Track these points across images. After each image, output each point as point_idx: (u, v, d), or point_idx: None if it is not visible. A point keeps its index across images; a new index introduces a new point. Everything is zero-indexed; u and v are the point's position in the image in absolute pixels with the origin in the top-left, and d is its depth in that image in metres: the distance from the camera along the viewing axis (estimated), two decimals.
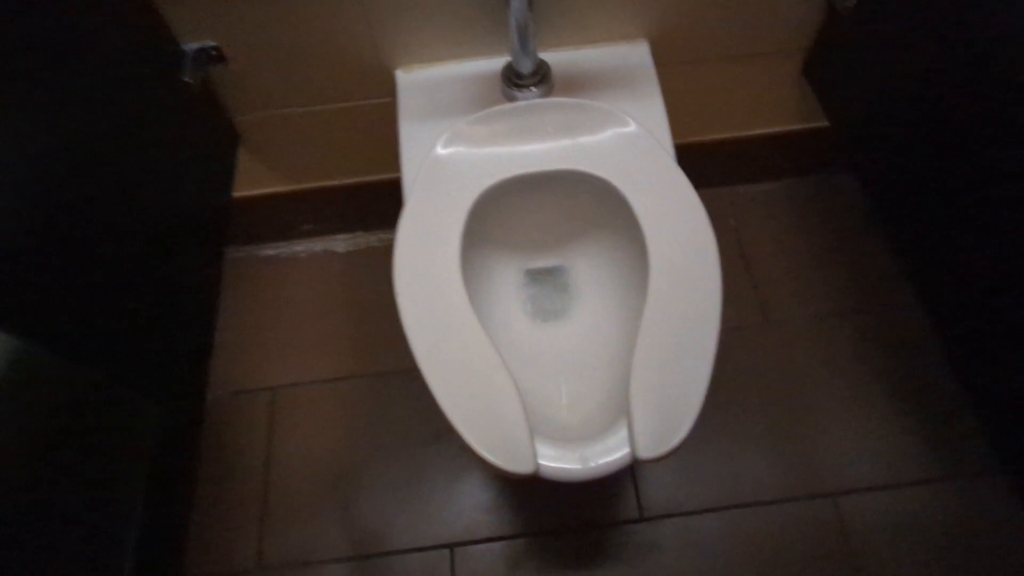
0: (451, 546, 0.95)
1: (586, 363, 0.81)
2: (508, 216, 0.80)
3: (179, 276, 0.79)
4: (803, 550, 0.93)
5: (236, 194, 1.08)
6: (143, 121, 0.77)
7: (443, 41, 0.85)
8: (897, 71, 0.84)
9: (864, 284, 1.12)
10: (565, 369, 0.81)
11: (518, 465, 0.59)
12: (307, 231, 1.21)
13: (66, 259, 0.61)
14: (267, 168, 1.09)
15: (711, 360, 0.63)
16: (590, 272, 0.86)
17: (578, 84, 0.83)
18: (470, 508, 0.98)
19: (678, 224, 0.71)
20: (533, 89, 0.80)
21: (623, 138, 0.76)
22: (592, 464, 0.60)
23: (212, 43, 0.83)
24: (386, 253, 0.71)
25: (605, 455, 0.60)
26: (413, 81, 0.87)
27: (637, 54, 0.87)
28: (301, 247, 1.21)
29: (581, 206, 0.80)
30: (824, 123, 1.09)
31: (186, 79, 0.80)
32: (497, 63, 0.84)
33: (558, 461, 0.60)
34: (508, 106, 0.78)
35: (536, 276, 0.88)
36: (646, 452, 0.59)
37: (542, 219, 0.84)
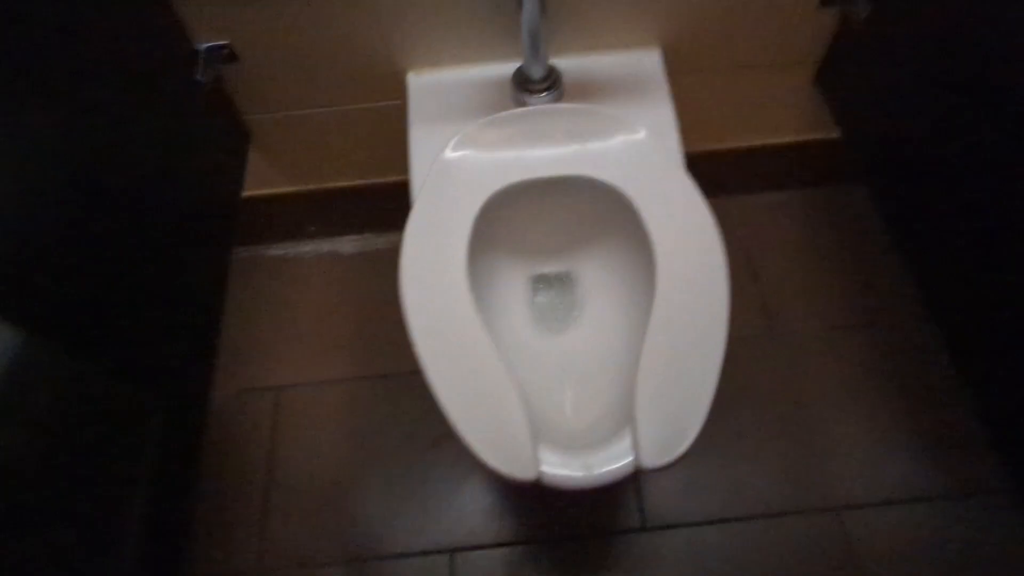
0: (451, 551, 0.95)
1: (591, 370, 0.80)
2: (516, 221, 0.80)
3: (186, 274, 0.79)
4: (807, 565, 0.92)
5: (246, 193, 1.09)
6: (155, 119, 0.77)
7: (455, 45, 0.85)
8: (911, 82, 0.83)
9: (874, 297, 1.12)
10: (570, 375, 0.80)
11: (520, 471, 0.59)
12: (314, 232, 1.21)
13: (74, 255, 0.61)
14: (276, 168, 1.09)
15: (717, 370, 0.62)
16: (597, 279, 0.86)
17: (589, 90, 0.83)
18: (471, 513, 0.97)
19: (686, 232, 0.70)
20: (543, 94, 0.80)
21: (633, 145, 0.75)
22: (595, 472, 0.60)
23: (225, 42, 0.83)
24: (393, 255, 0.71)
25: (608, 463, 0.60)
26: (424, 84, 0.87)
27: (649, 61, 0.87)
28: (308, 248, 1.22)
29: (589, 212, 0.80)
30: (836, 134, 1.09)
31: (198, 78, 0.80)
32: (508, 68, 0.84)
33: (560, 468, 0.60)
34: (518, 111, 0.78)
35: (543, 282, 0.87)
36: (650, 461, 0.58)
37: (550, 225, 0.83)
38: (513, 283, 0.86)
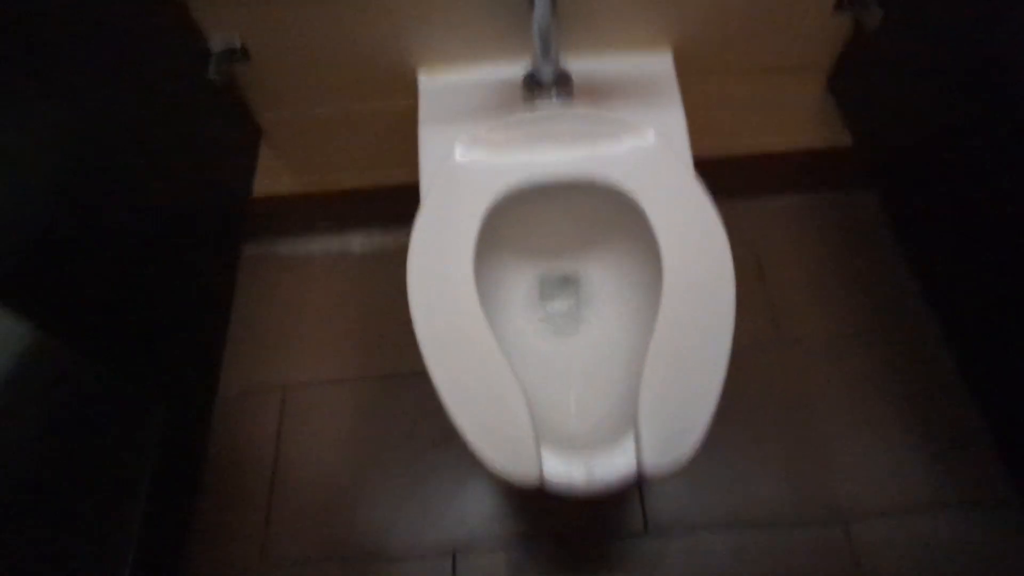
0: (454, 552, 0.95)
1: (597, 373, 0.80)
2: (523, 223, 0.80)
3: (195, 271, 0.80)
4: (811, 574, 0.91)
5: (255, 192, 1.09)
6: (167, 117, 0.78)
7: (466, 46, 0.86)
8: (923, 89, 0.83)
9: (882, 305, 1.11)
10: (575, 378, 0.80)
11: (523, 474, 0.59)
12: (324, 231, 1.22)
13: (83, 252, 0.62)
14: (286, 167, 1.10)
15: (722, 376, 0.62)
16: (604, 281, 0.86)
17: (599, 92, 0.83)
18: (474, 514, 0.97)
19: (694, 236, 0.70)
20: (553, 97, 0.80)
21: (642, 148, 0.75)
22: (597, 478, 0.60)
23: (238, 41, 0.84)
24: (402, 255, 0.71)
25: (611, 470, 0.60)
26: (434, 85, 0.88)
27: (660, 64, 0.86)
28: (317, 247, 1.22)
29: (597, 215, 0.80)
30: (847, 139, 1.08)
31: (211, 77, 0.81)
32: (519, 68, 0.84)
33: (563, 473, 0.60)
34: (527, 112, 0.78)
35: (550, 284, 0.87)
36: (652, 468, 0.58)
37: (557, 227, 0.83)
38: (520, 285, 0.86)
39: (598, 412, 0.76)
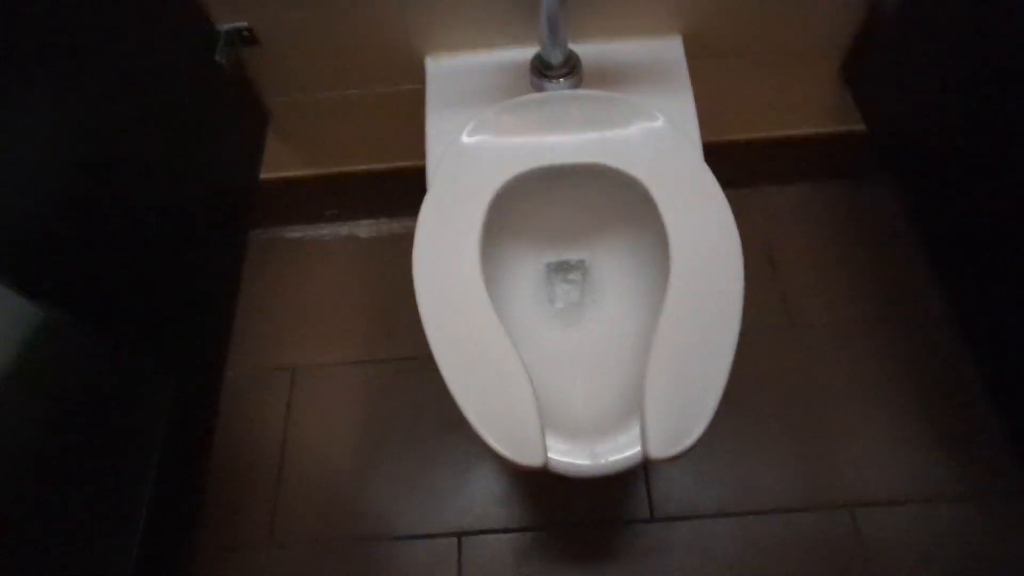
0: (459, 535, 0.95)
1: (603, 359, 0.80)
2: (531, 207, 0.80)
3: (204, 253, 0.81)
4: (817, 562, 0.91)
5: (263, 176, 1.10)
6: (175, 100, 0.78)
7: (474, 29, 0.85)
8: (940, 74, 0.81)
9: (895, 294, 1.10)
10: (582, 364, 0.80)
11: (527, 458, 0.59)
12: (332, 216, 1.22)
13: (94, 232, 0.62)
14: (295, 151, 1.10)
15: (729, 362, 0.61)
16: (612, 267, 0.85)
17: (608, 77, 0.82)
18: (480, 498, 0.98)
19: (703, 222, 0.69)
20: (562, 80, 0.80)
21: (651, 133, 0.75)
22: (602, 461, 0.60)
23: (245, 25, 0.84)
24: (409, 240, 0.71)
25: (616, 452, 0.60)
26: (442, 68, 0.87)
27: (670, 48, 0.85)
28: (326, 231, 1.23)
29: (605, 200, 0.79)
30: (861, 126, 1.06)
31: (218, 60, 0.81)
32: (527, 53, 0.83)
33: (568, 456, 0.60)
34: (535, 96, 0.78)
35: (557, 269, 0.87)
36: (657, 452, 0.58)
37: (565, 212, 0.83)
38: (527, 270, 0.86)
39: (604, 399, 0.76)
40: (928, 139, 0.86)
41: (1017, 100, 0.68)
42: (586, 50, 0.83)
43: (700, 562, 0.92)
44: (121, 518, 0.59)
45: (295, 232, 1.22)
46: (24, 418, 0.52)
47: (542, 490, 0.98)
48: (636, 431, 0.60)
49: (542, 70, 0.80)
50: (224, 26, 0.83)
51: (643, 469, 0.98)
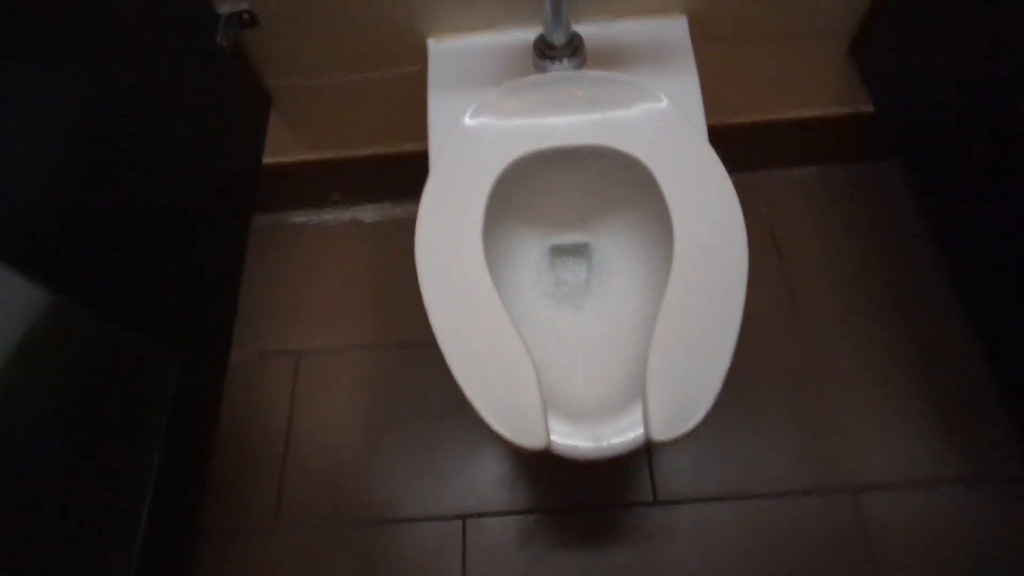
0: (464, 517, 0.96)
1: (606, 341, 0.80)
2: (533, 190, 0.79)
3: (207, 238, 0.81)
4: (820, 546, 0.91)
5: (266, 160, 1.09)
6: (177, 84, 0.77)
7: (476, 10, 0.84)
8: (951, 54, 0.80)
9: (901, 279, 1.09)
10: (585, 347, 0.80)
11: (530, 440, 0.59)
12: (335, 200, 1.22)
13: (98, 217, 0.62)
14: (297, 136, 1.09)
15: (732, 345, 0.61)
16: (615, 250, 0.85)
17: (611, 58, 0.81)
18: (485, 481, 0.99)
19: (707, 205, 0.69)
20: (565, 61, 0.79)
21: (654, 114, 0.74)
22: (604, 443, 0.60)
23: (245, 6, 0.83)
24: (412, 225, 0.71)
25: (618, 435, 0.60)
26: (444, 50, 0.86)
27: (674, 29, 0.84)
28: (330, 215, 1.22)
29: (608, 182, 0.79)
30: (868, 107, 1.05)
31: (219, 41, 0.80)
32: (530, 34, 0.82)
33: (570, 438, 0.60)
34: (538, 78, 0.77)
35: (560, 252, 0.87)
36: (659, 434, 0.58)
37: (568, 194, 0.82)
38: (530, 253, 0.86)
39: (607, 381, 0.76)
40: (936, 119, 0.85)
41: None
42: (589, 30, 0.82)
43: (702, 545, 0.92)
44: (125, 503, 0.60)
45: (299, 217, 1.22)
46: (28, 402, 0.52)
47: (546, 473, 0.99)
48: (638, 414, 0.60)
49: (545, 51, 0.79)
50: (224, 8, 0.83)
51: (646, 452, 0.99)
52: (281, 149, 1.12)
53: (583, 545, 0.94)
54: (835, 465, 0.96)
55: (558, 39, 0.77)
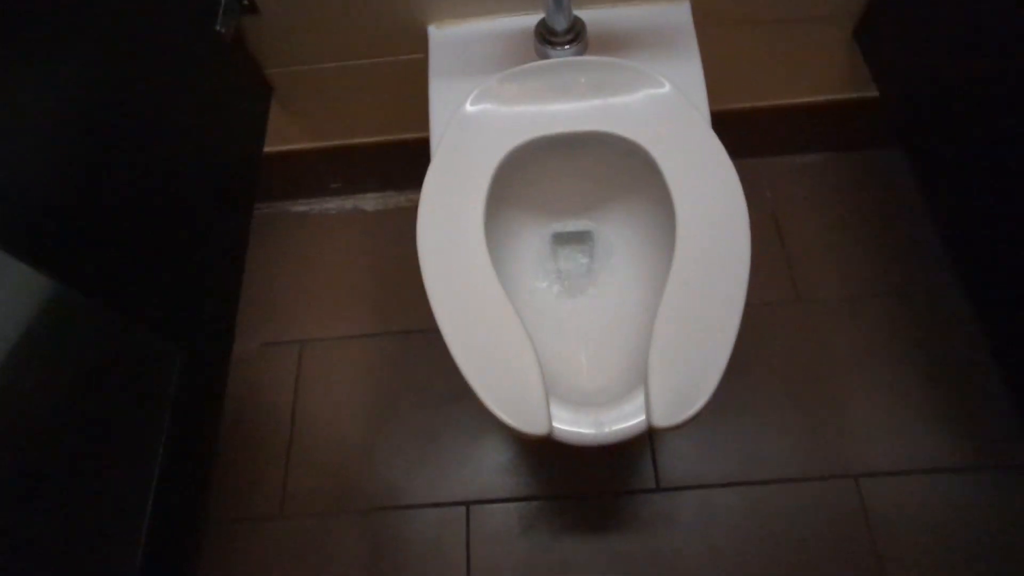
0: (467, 504, 0.97)
1: (609, 329, 0.80)
2: (535, 177, 0.79)
3: (209, 227, 0.81)
4: (821, 531, 0.92)
5: (267, 149, 1.09)
6: (176, 71, 0.77)
7: None
8: (958, 37, 0.79)
9: (905, 267, 1.08)
10: (587, 334, 0.80)
11: (532, 427, 0.60)
12: (337, 189, 1.22)
13: (101, 206, 0.62)
14: (298, 124, 1.09)
15: (734, 332, 0.61)
16: (618, 237, 0.85)
17: (614, 43, 0.81)
18: (488, 468, 0.99)
19: (709, 191, 0.69)
20: (567, 47, 0.78)
21: (657, 100, 0.73)
22: (606, 430, 0.60)
23: None
24: (414, 213, 0.70)
25: (620, 421, 0.60)
26: (445, 37, 0.86)
27: (677, 13, 0.84)
28: (332, 204, 1.22)
29: (611, 169, 0.79)
30: (873, 93, 1.04)
31: (218, 29, 0.80)
32: (531, 20, 0.81)
33: (572, 425, 0.60)
34: (539, 64, 0.76)
35: (562, 239, 0.87)
36: (661, 420, 0.58)
37: (570, 181, 0.82)
38: (532, 240, 0.86)
39: (610, 370, 0.76)
40: (943, 106, 0.84)
41: None
42: (591, 16, 0.81)
43: (705, 531, 0.93)
44: (131, 492, 0.60)
45: (300, 206, 1.22)
46: (33, 391, 0.52)
47: (548, 460, 0.99)
48: (641, 400, 0.60)
49: (546, 37, 0.78)
50: None
51: (648, 438, 0.99)
52: (282, 138, 1.11)
53: (585, 531, 0.94)
54: (837, 451, 0.96)
55: (560, 24, 0.76)
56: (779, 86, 1.08)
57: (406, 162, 1.16)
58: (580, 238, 0.86)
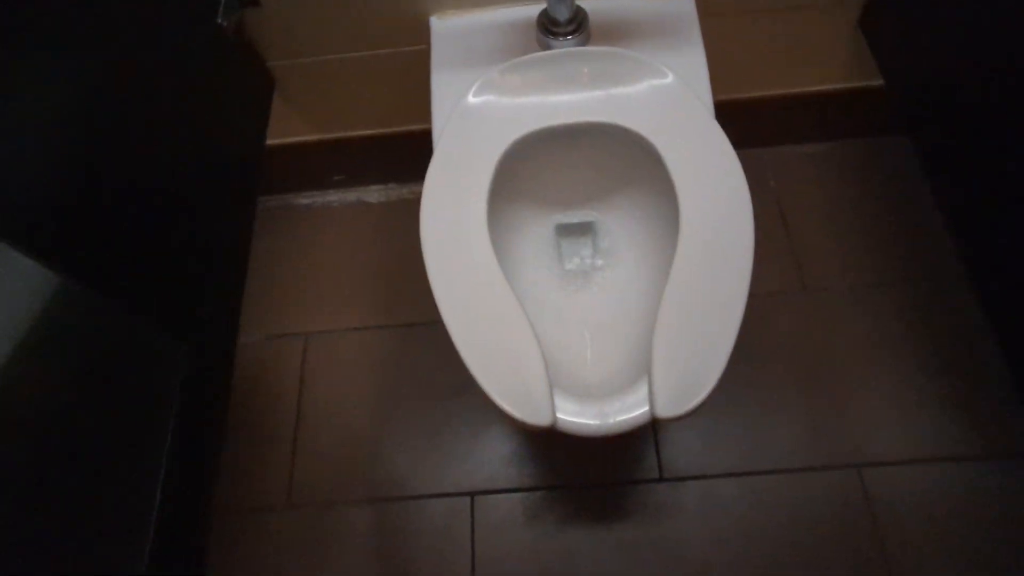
0: (472, 494, 0.97)
1: (613, 320, 0.80)
2: (538, 168, 0.79)
3: (212, 220, 0.81)
4: (825, 521, 0.92)
5: (270, 142, 1.09)
6: (178, 65, 0.77)
7: None
8: (964, 25, 0.78)
9: (910, 256, 1.08)
10: (591, 325, 0.80)
11: (536, 418, 0.60)
12: (340, 181, 1.22)
13: (105, 200, 0.62)
14: (301, 117, 1.09)
15: (737, 323, 0.61)
16: (621, 228, 0.85)
17: (616, 33, 0.80)
18: (492, 459, 1.00)
19: (713, 182, 0.68)
20: (569, 37, 0.78)
21: (660, 90, 0.73)
22: (610, 420, 0.60)
23: None
24: (417, 205, 0.70)
25: (623, 412, 0.60)
26: (447, 28, 0.85)
27: (680, 3, 0.83)
28: (335, 197, 1.22)
29: (614, 160, 0.78)
30: (878, 81, 1.03)
31: (220, 22, 0.79)
32: (533, 10, 0.81)
33: (576, 416, 0.61)
34: (542, 54, 0.76)
35: (566, 231, 0.87)
36: (664, 411, 0.58)
37: (574, 172, 0.82)
38: (536, 232, 0.86)
39: (613, 359, 0.76)
40: (948, 94, 0.84)
41: None
42: (594, 5, 0.80)
43: (708, 521, 0.93)
44: (138, 484, 0.61)
45: (303, 199, 1.22)
46: (39, 385, 0.53)
47: (552, 451, 1.00)
48: (644, 391, 0.60)
49: (549, 27, 0.78)
50: None
51: (652, 429, 0.99)
52: (284, 130, 1.11)
53: (590, 521, 0.95)
54: (841, 441, 0.96)
55: (562, 15, 0.76)
56: (783, 75, 1.07)
57: (409, 154, 1.16)
58: (583, 229, 0.86)
